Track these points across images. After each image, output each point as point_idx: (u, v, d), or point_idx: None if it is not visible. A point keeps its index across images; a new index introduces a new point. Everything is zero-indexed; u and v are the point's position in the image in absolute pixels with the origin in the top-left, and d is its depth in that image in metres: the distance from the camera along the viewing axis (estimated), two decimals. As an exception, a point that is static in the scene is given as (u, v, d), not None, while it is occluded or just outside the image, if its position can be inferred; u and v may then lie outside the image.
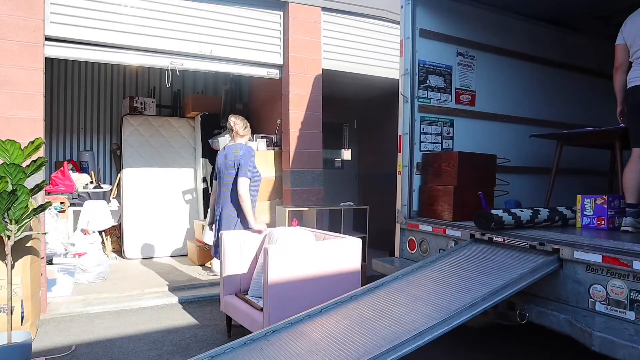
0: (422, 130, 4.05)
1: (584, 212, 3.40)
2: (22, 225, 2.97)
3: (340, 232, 4.74)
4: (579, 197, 3.45)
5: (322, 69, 5.41)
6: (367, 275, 4.89)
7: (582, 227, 3.40)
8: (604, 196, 3.32)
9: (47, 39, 4.13)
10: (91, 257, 5.06)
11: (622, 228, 3.15)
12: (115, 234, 6.75)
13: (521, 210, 3.22)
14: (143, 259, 6.43)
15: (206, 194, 7.01)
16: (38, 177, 3.60)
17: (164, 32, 4.67)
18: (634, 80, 3.21)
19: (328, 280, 3.10)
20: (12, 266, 2.99)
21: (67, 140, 7.41)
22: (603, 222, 3.31)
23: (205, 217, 6.01)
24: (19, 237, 2.99)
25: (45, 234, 4.05)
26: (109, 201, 6.29)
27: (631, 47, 3.25)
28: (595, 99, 5.01)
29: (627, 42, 3.26)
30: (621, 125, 3.51)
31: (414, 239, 3.81)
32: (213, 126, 7.04)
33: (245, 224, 3.79)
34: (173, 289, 4.82)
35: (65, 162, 6.27)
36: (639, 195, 3.15)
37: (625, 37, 3.27)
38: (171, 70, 4.82)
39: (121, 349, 3.33)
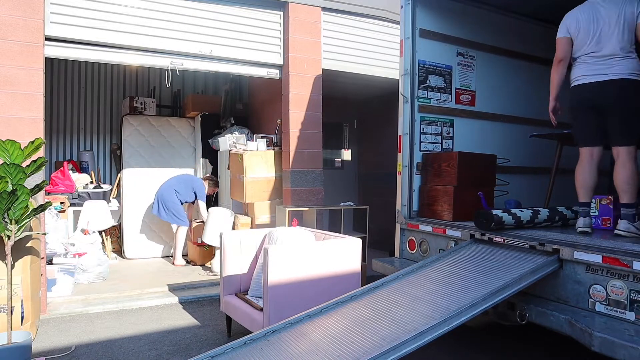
0: (422, 130, 4.05)
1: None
2: (22, 225, 2.97)
3: (340, 232, 4.74)
4: None
5: (322, 69, 5.40)
6: (367, 275, 4.89)
7: None
8: (609, 196, 3.28)
9: (47, 39, 4.12)
10: (91, 257, 5.06)
11: (577, 229, 3.06)
12: (115, 234, 6.75)
13: (521, 211, 3.22)
14: (143, 259, 6.42)
15: (206, 194, 7.00)
16: (38, 177, 3.60)
17: (164, 32, 4.67)
18: (581, 78, 3.10)
19: (328, 280, 3.10)
20: (12, 266, 2.99)
21: (67, 140, 7.41)
22: (609, 222, 3.28)
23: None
24: (19, 237, 2.99)
25: (45, 234, 4.05)
26: (109, 201, 6.29)
27: (576, 43, 3.15)
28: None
29: (572, 36, 3.16)
30: (554, 124, 3.35)
31: (414, 239, 3.81)
32: (213, 126, 7.04)
33: None
34: (173, 289, 4.82)
35: (65, 162, 6.27)
36: (592, 194, 3.12)
37: (571, 31, 3.17)
38: (171, 70, 4.82)
39: (121, 349, 3.33)
